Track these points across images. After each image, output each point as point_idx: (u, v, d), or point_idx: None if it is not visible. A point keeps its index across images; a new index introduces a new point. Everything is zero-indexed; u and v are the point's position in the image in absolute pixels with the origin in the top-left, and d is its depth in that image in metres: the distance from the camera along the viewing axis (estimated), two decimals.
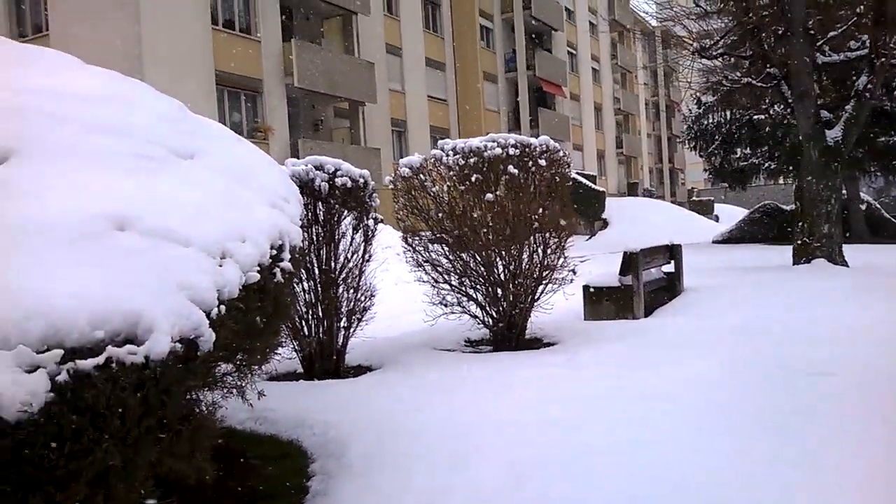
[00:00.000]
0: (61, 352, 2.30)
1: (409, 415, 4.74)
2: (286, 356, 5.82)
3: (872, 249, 17.33)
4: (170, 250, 2.80)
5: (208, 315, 2.72)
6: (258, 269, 3.18)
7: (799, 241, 12.78)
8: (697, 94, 24.33)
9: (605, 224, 31.42)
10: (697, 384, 5.19)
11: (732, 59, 16.43)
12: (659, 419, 4.40)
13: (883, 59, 12.48)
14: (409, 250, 7.28)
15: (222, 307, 2.81)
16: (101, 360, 2.36)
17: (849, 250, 13.17)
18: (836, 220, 12.64)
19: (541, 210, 7.06)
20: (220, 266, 2.92)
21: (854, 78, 13.58)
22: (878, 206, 28.20)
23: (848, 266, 12.24)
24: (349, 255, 6.41)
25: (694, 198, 57.05)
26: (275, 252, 3.43)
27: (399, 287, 9.85)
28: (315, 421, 4.71)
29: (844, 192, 21.76)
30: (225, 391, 3.42)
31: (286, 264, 3.56)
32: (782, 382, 5.13)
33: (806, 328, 6.92)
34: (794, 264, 12.63)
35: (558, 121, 40.35)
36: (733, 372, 5.51)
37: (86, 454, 2.39)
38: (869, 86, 12.65)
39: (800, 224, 12.90)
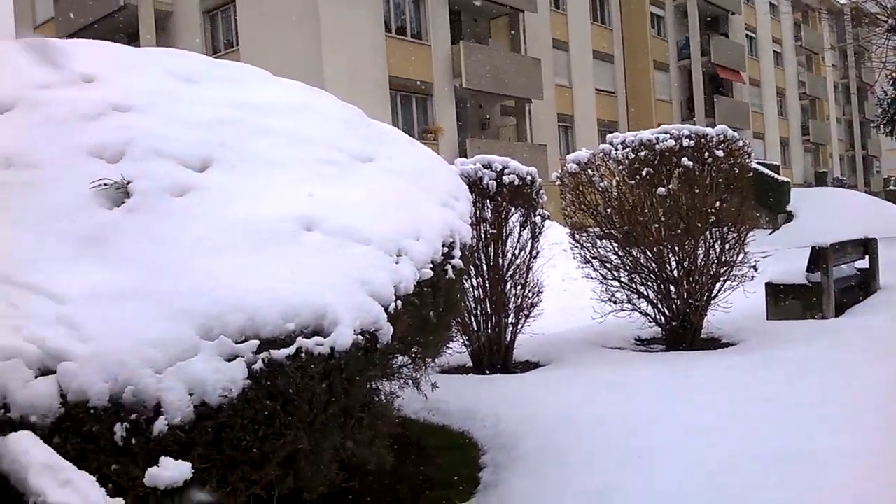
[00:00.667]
0: (257, 342, 2.53)
1: (579, 411, 4.71)
2: (456, 350, 5.97)
3: None
4: (352, 249, 2.98)
5: (386, 309, 2.87)
6: (431, 266, 3.30)
7: None
8: (893, 74, 22.13)
9: (789, 217, 29.29)
10: None
11: None
12: (866, 429, 4.04)
13: None
14: (577, 246, 7.22)
15: (398, 302, 2.96)
16: (291, 350, 2.56)
17: None
18: None
19: (718, 203, 6.75)
20: (397, 263, 3.07)
21: None
22: None
23: None
24: (516, 252, 6.46)
25: (891, 187, 51.83)
26: (446, 249, 3.55)
27: (566, 283, 9.81)
28: (485, 413, 4.80)
29: None
30: (401, 382, 3.59)
31: (457, 261, 3.66)
32: None
33: None
34: None
35: (736, 108, 38.17)
36: None
37: (277, 437, 2.61)
38: None
39: None
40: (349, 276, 2.87)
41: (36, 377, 2.30)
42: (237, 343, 2.51)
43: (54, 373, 2.31)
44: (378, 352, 2.86)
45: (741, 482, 3.43)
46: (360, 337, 2.72)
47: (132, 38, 22.19)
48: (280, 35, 20.53)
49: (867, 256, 9.40)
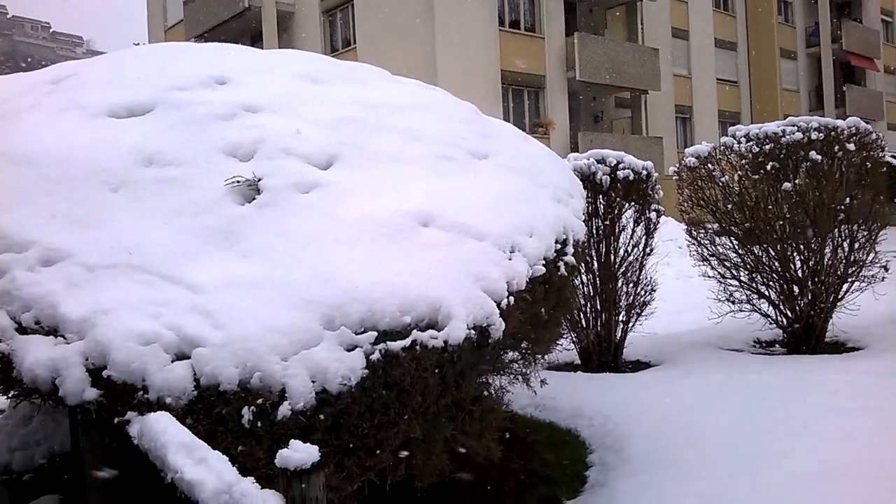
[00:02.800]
0: (375, 333, 2.63)
1: (691, 414, 4.60)
2: (565, 347, 5.94)
3: None
4: (466, 244, 3.05)
5: (498, 305, 2.92)
6: (543, 262, 3.33)
7: None
8: None
9: None
10: None
11: None
12: None
13: None
14: (694, 243, 7.02)
15: (511, 298, 3.00)
16: (407, 342, 2.65)
17: None
18: None
19: (847, 199, 6.39)
20: (510, 259, 3.11)
21: None
22: None
23: None
24: (629, 249, 6.36)
25: None
26: (559, 246, 3.56)
27: (681, 282, 9.56)
28: (593, 412, 4.78)
29: None
30: (511, 377, 3.63)
31: (570, 258, 3.67)
32: None
33: None
34: None
35: (869, 98, 35.79)
36: None
37: (392, 426, 2.71)
38: None
39: None
40: (463, 271, 2.93)
41: (172, 361, 2.49)
42: (357, 334, 2.63)
43: (189, 358, 2.49)
44: (489, 346, 2.91)
45: (863, 491, 3.27)
46: (473, 331, 2.78)
47: (255, 39, 23.24)
48: (395, 32, 20.93)
49: None
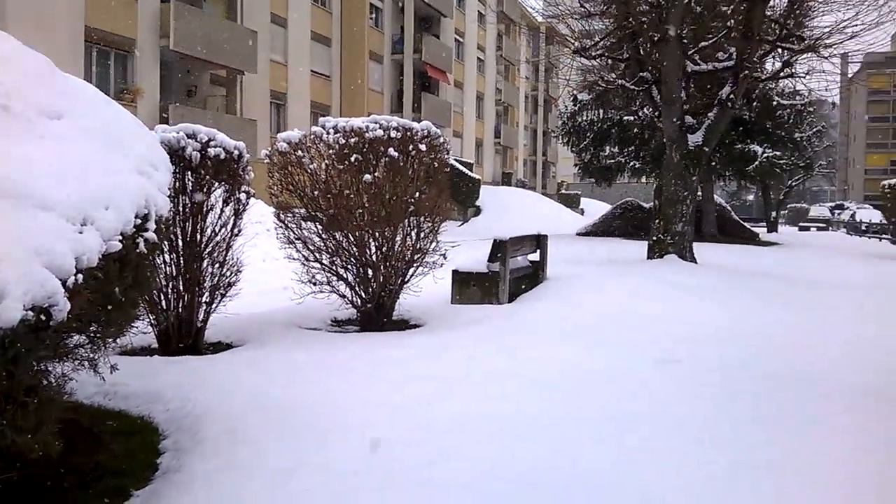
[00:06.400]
0: None
1: (270, 392, 4.72)
2: (142, 330, 5.61)
3: (720, 248, 18.65)
4: (28, 214, 2.67)
5: (64, 283, 2.62)
6: (120, 237, 3.08)
7: (654, 238, 13.58)
8: (574, 91, 25.25)
9: (478, 211, 32.07)
10: (556, 366, 5.49)
11: (610, 61, 17.15)
12: (518, 398, 4.63)
13: (746, 72, 13.43)
14: (281, 227, 7.20)
15: (80, 275, 2.72)
16: None
17: (698, 248, 14.14)
18: (689, 220, 13.51)
19: (417, 194, 7.16)
20: (81, 233, 2.82)
21: (719, 87, 14.51)
22: (729, 208, 30.37)
23: (696, 262, 13.15)
24: (217, 229, 6.26)
25: (563, 191, 59.26)
26: (139, 221, 3.33)
27: (267, 264, 9.72)
28: (170, 397, 4.60)
29: (700, 193, 23.28)
30: (76, 363, 3.30)
31: (151, 234, 3.46)
32: (632, 368, 5.52)
33: (656, 318, 7.43)
34: (648, 258, 13.41)
35: (441, 107, 40.65)
36: (589, 356, 5.86)
37: None
38: (731, 95, 13.58)
39: (656, 221, 13.70)
40: (22, 243, 2.57)
41: None
42: None
43: None
44: (51, 330, 2.61)
45: (412, 455, 3.72)
46: (31, 313, 2.46)
47: None
48: None
49: (539, 250, 10.66)
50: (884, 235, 31.14)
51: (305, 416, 4.29)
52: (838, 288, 11.85)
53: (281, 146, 7.14)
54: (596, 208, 43.25)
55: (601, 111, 26.35)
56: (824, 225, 50.73)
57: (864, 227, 39.68)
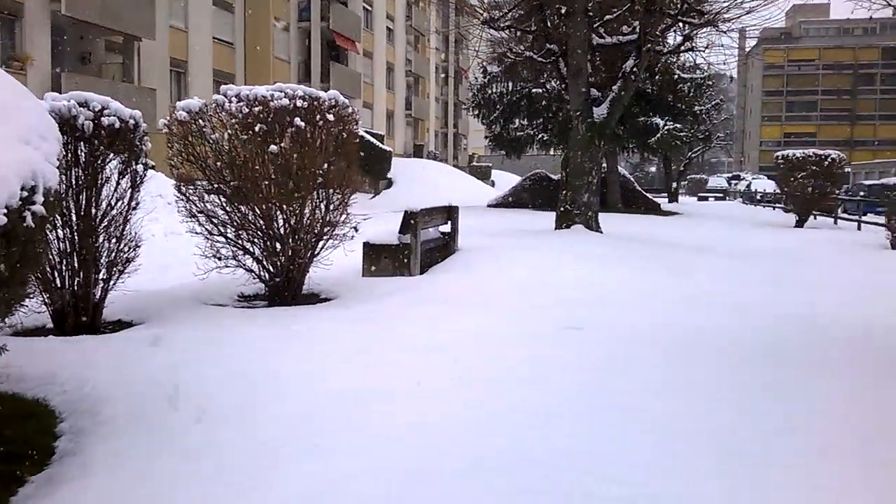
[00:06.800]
0: None
1: (173, 371, 4.57)
2: (34, 309, 5.33)
3: (624, 218, 19.26)
4: None
5: None
6: (5, 211, 2.91)
7: (562, 208, 13.87)
8: (484, 63, 25.32)
9: (389, 183, 31.89)
10: (467, 335, 5.56)
11: (518, 33, 17.25)
12: (430, 369, 4.66)
13: (649, 45, 13.77)
14: (183, 200, 6.94)
15: None
16: None
17: (604, 218, 14.54)
18: (594, 191, 13.85)
19: (326, 165, 7.03)
20: None
21: (623, 60, 14.84)
22: (633, 180, 31.33)
23: (602, 232, 13.52)
24: (113, 202, 5.97)
25: (474, 163, 59.65)
26: (26, 194, 3.14)
27: (169, 238, 9.39)
28: (66, 378, 4.39)
29: (605, 165, 23.90)
30: None
31: (39, 208, 3.27)
32: (541, 335, 5.64)
33: (562, 287, 7.60)
34: (556, 229, 13.69)
35: (350, 77, 40.03)
36: (499, 325, 5.95)
37: None
38: (634, 68, 13.91)
39: (564, 192, 13.98)
40: None
41: None
42: None
43: None
44: None
45: (335, 423, 3.69)
46: None
47: None
48: None
49: (450, 222, 10.70)
50: (777, 204, 32.89)
51: (212, 393, 4.18)
52: (735, 255, 12.44)
53: (180, 115, 6.85)
54: (507, 180, 43.80)
55: (510, 83, 26.57)
56: (722, 195, 53.07)
57: (758, 197, 41.79)
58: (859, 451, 3.58)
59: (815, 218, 23.41)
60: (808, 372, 4.95)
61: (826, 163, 21.72)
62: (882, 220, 17.10)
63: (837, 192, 24.22)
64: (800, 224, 22.14)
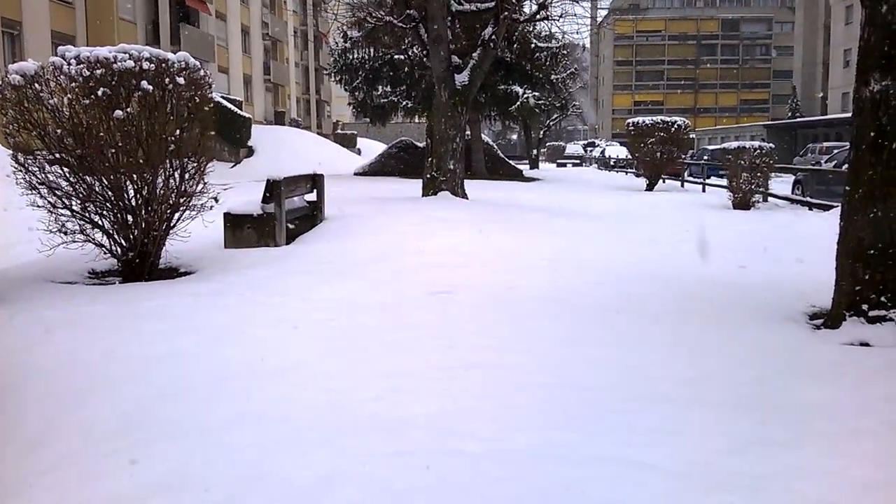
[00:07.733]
0: None
1: (16, 354, 4.27)
2: None
3: (488, 185, 19.69)
4: None
5: None
6: None
7: (428, 175, 13.95)
8: (344, 28, 24.83)
9: (251, 152, 30.85)
10: (338, 305, 5.51)
11: None
12: (296, 341, 4.59)
13: (506, 13, 13.95)
14: (21, 171, 6.39)
15: None
16: None
17: (469, 185, 14.77)
18: (459, 158, 14.01)
19: (178, 132, 6.69)
20: None
21: (482, 28, 14.97)
22: (496, 147, 32.01)
23: (467, 198, 13.74)
24: None
25: (339, 131, 58.82)
26: None
27: (10, 213, 8.67)
28: None
29: (469, 133, 24.23)
30: None
31: None
32: (413, 300, 5.68)
33: (431, 252, 7.68)
34: (423, 196, 13.77)
35: (202, 39, 38.13)
36: (365, 292, 5.93)
37: None
38: (493, 36, 14.08)
39: (429, 160, 14.05)
40: None
41: None
42: None
43: None
44: None
45: (187, 404, 3.56)
46: None
47: None
48: None
49: (315, 190, 10.50)
50: (629, 169, 34.64)
51: (60, 376, 3.93)
52: (591, 217, 13.01)
53: (14, 79, 6.27)
54: (373, 148, 43.50)
55: (372, 49, 26.27)
56: (579, 161, 55.26)
57: (612, 163, 43.85)
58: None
59: (664, 181, 24.83)
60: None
61: (673, 129, 23.02)
62: (724, 182, 18.37)
63: (684, 156, 25.75)
64: (650, 188, 23.42)
